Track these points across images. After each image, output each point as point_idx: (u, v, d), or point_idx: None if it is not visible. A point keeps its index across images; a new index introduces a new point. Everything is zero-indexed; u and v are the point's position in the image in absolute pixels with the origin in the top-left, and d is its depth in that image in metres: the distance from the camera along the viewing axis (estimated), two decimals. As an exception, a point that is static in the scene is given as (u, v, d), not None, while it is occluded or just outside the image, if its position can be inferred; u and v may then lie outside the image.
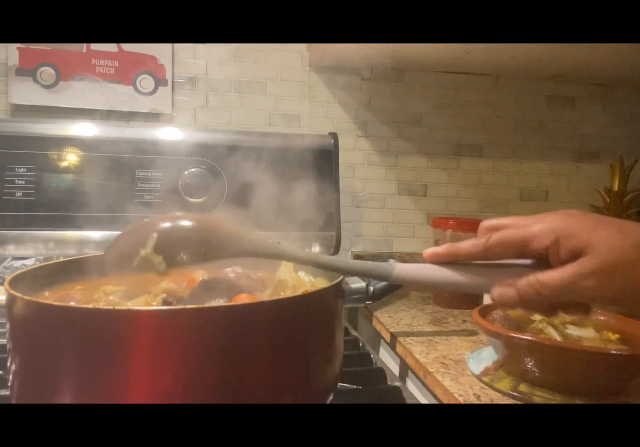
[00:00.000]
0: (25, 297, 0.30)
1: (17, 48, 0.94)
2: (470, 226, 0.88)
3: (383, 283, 0.43)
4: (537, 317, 0.61)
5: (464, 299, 0.87)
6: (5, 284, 0.33)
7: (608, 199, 1.01)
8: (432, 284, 0.39)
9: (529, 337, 0.52)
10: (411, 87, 1.06)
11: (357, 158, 1.06)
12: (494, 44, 0.85)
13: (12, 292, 0.31)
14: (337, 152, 0.90)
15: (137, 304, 0.38)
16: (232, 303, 0.36)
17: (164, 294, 0.36)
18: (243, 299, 0.39)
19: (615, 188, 1.00)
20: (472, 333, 0.74)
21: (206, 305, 0.32)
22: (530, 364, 0.53)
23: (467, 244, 0.39)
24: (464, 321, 0.80)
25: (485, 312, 0.62)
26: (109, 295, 0.39)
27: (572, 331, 0.57)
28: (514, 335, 0.53)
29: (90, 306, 0.32)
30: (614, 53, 0.86)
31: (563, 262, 0.35)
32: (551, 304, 0.37)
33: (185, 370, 0.29)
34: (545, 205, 1.13)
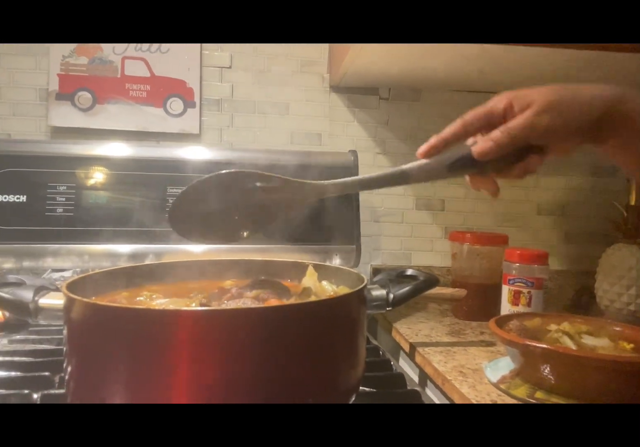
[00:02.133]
0: (84, 299, 0.34)
1: (57, 74, 1.01)
2: (487, 240, 0.91)
3: (404, 290, 0.47)
4: (552, 327, 0.63)
5: (482, 311, 0.88)
6: (63, 288, 0.37)
7: (625, 213, 1.02)
8: (443, 176, 0.47)
9: (545, 346, 0.54)
10: (428, 105, 1.10)
11: (375, 174, 1.09)
12: (507, 65, 0.88)
13: (71, 295, 0.35)
14: (356, 169, 0.94)
15: (177, 306, 0.42)
16: (265, 305, 0.39)
17: (204, 299, 0.40)
18: (272, 303, 0.42)
19: (632, 202, 1.01)
20: (489, 344, 0.76)
21: (243, 306, 0.36)
22: (546, 372, 0.54)
23: (448, 128, 0.47)
24: (482, 333, 0.82)
25: (502, 322, 0.64)
26: (151, 299, 0.43)
27: (588, 340, 0.58)
28: (530, 343, 0.55)
29: (142, 307, 0.36)
30: (628, 68, 0.88)
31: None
32: (517, 150, 0.45)
33: (224, 365, 0.33)
34: (562, 219, 1.15)
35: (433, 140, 0.47)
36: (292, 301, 0.46)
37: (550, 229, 1.14)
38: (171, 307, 0.38)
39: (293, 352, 0.36)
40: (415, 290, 0.48)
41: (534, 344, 0.54)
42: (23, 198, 0.81)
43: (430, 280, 0.51)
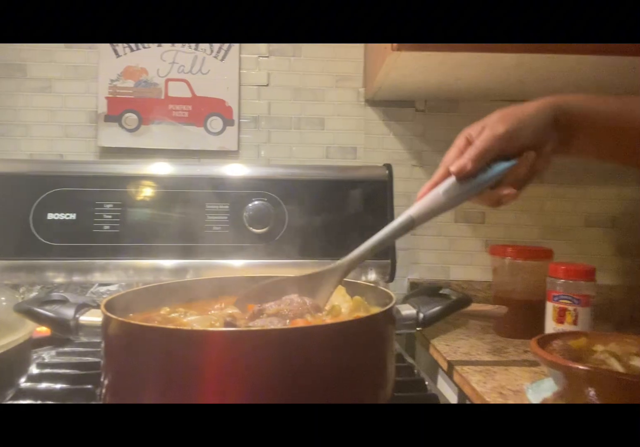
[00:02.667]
0: (119, 318, 0.35)
1: (106, 97, 1.07)
2: (530, 254, 0.87)
3: (434, 309, 0.46)
4: (599, 347, 0.60)
5: (526, 329, 0.84)
6: (102, 307, 0.38)
7: (683, 225, 0.96)
8: (443, 206, 0.50)
9: (589, 368, 0.51)
10: (466, 116, 1.08)
11: (412, 187, 1.08)
12: (547, 74, 0.86)
13: (107, 313, 0.36)
14: (391, 183, 0.93)
15: (202, 325, 0.43)
16: (289, 326, 0.39)
17: (229, 318, 0.40)
18: (298, 323, 0.43)
19: (690, 213, 0.94)
20: (533, 364, 0.73)
21: (267, 327, 0.36)
22: (591, 395, 0.51)
23: (435, 174, 0.53)
24: (525, 351, 0.79)
25: (545, 341, 0.61)
26: (185, 315, 0.45)
27: (637, 362, 0.55)
28: (573, 365, 0.52)
29: (172, 326, 0.37)
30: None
31: None
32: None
33: (249, 383, 0.33)
34: (613, 231, 1.09)
35: (426, 186, 0.53)
36: (320, 319, 0.46)
37: (600, 242, 1.09)
38: (197, 327, 0.39)
39: (317, 372, 0.36)
40: (446, 310, 0.47)
41: (578, 366, 0.51)
42: (73, 216, 0.85)
43: (463, 300, 0.49)
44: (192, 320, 0.45)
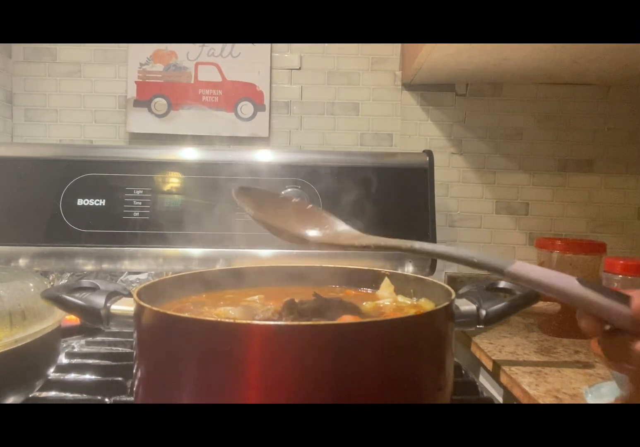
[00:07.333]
0: (154, 308, 0.32)
1: (135, 82, 1.05)
2: (581, 247, 0.81)
3: (498, 306, 0.41)
4: (670, 351, 0.54)
5: (575, 327, 0.79)
6: (134, 295, 0.35)
7: None
8: (552, 291, 0.36)
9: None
10: (510, 101, 1.02)
11: (451, 176, 1.03)
12: (604, 52, 0.79)
13: (141, 303, 0.33)
14: (432, 170, 0.88)
15: (243, 318, 0.39)
16: (344, 321, 0.35)
17: (276, 315, 0.37)
18: (346, 319, 0.39)
19: None
20: (587, 365, 0.67)
21: (319, 322, 0.32)
22: (666, 404, 0.46)
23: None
24: (577, 352, 0.73)
25: (605, 342, 0.56)
26: (218, 306, 0.41)
27: None
28: (644, 370, 0.47)
29: (213, 318, 0.34)
30: None
31: None
32: None
33: (296, 381, 0.30)
34: (669, 224, 1.01)
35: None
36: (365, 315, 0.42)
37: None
38: (241, 321, 0.35)
39: (374, 371, 0.32)
40: (511, 307, 0.42)
41: (651, 371, 0.46)
42: (102, 202, 0.83)
43: (530, 296, 0.44)
44: (224, 310, 0.41)
